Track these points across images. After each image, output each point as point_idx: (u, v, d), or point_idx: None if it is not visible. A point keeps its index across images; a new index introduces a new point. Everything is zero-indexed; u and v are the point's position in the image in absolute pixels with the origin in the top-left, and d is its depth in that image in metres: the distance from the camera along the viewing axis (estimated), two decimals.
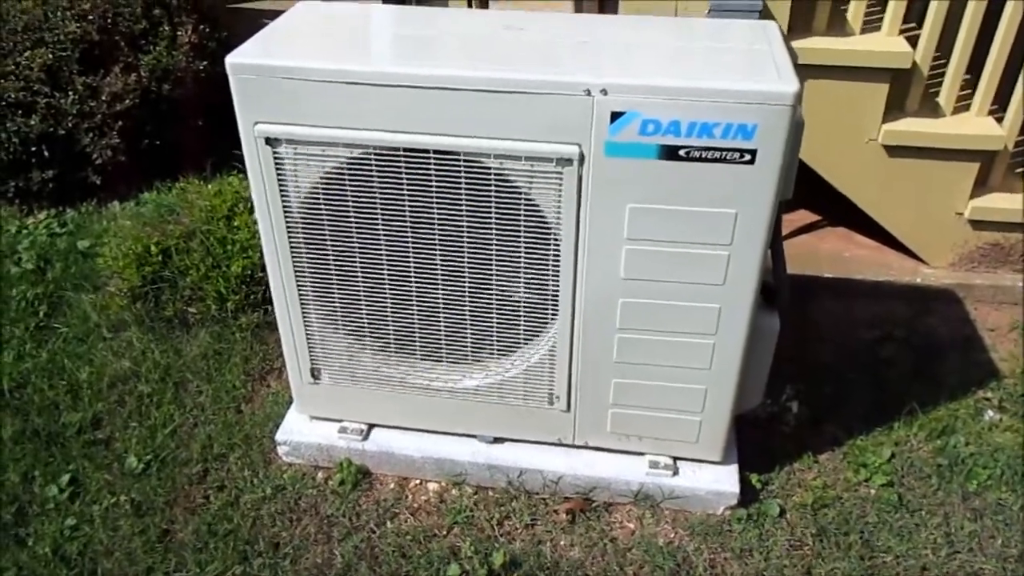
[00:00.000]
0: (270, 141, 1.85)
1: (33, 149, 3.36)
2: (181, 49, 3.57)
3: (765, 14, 2.54)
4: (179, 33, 3.59)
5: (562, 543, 2.14)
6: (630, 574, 2.06)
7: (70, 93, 3.33)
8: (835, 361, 2.70)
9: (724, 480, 2.17)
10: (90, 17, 3.39)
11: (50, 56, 3.30)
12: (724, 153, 1.69)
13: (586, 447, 2.22)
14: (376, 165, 1.84)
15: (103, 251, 3.02)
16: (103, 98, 3.37)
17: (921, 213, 2.88)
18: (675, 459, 2.20)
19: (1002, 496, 2.21)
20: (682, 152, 1.70)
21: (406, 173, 1.84)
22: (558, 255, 1.89)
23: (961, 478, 2.26)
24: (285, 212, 1.94)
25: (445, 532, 2.17)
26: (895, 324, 2.84)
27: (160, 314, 2.80)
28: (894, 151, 2.80)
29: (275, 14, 2.06)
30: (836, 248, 3.15)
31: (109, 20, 3.43)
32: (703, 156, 1.70)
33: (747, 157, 1.69)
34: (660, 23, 2.05)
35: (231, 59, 1.78)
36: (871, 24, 2.75)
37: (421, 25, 2.01)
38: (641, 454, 2.21)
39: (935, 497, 2.22)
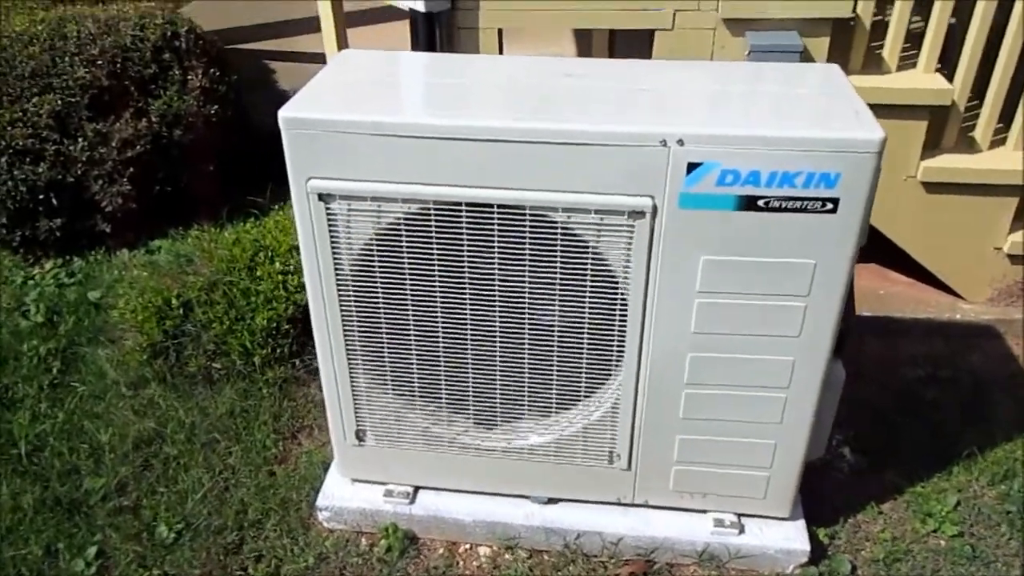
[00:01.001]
0: (323, 197, 1.76)
1: (40, 197, 3.24)
2: (192, 94, 3.48)
3: (804, 55, 2.50)
4: (189, 77, 3.50)
5: None
6: None
7: (79, 139, 3.22)
8: (881, 403, 2.63)
9: (793, 537, 2.08)
10: (99, 62, 3.29)
11: (58, 102, 3.20)
12: (805, 202, 1.63)
13: (646, 505, 2.12)
14: (435, 220, 1.75)
15: (118, 303, 2.90)
16: (113, 144, 3.27)
17: (960, 249, 2.84)
18: (740, 516, 2.11)
19: None
20: (761, 202, 1.64)
21: (467, 228, 1.75)
22: (625, 309, 1.81)
23: None
24: (336, 269, 1.85)
25: None
26: (938, 363, 2.78)
27: (183, 370, 2.68)
28: (933, 187, 2.76)
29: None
30: (871, 285, 3.10)
31: (118, 65, 3.34)
32: (783, 206, 1.63)
33: (829, 206, 1.63)
34: (714, 67, 1.99)
35: (284, 113, 1.69)
36: (904, 62, 2.72)
37: (474, 73, 1.93)
38: (704, 512, 2.12)
39: (1008, 547, 2.14)
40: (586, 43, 4.67)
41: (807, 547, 2.06)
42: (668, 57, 2.61)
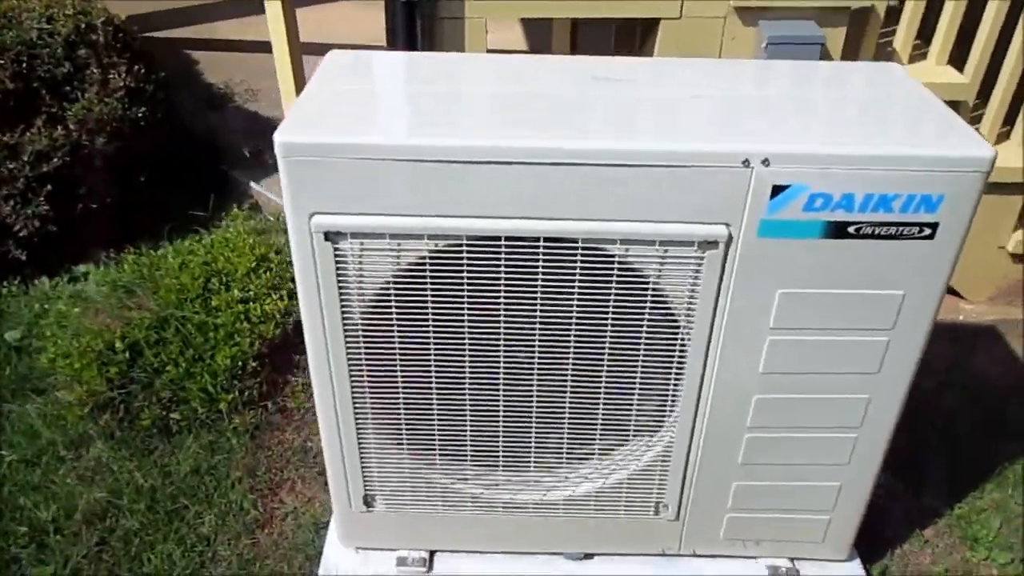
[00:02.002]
0: (330, 236, 1.46)
1: None
2: (114, 95, 3.04)
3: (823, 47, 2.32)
4: (111, 76, 3.06)
5: None
6: None
7: None
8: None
9: None
10: (0, 62, 2.84)
11: None
12: (901, 228, 1.43)
13: (693, 556, 1.92)
14: (468, 257, 1.48)
15: (46, 347, 2.48)
16: (24, 158, 2.82)
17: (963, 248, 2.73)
18: (793, 560, 1.92)
19: None
20: (852, 229, 1.43)
21: (506, 264, 1.49)
22: (684, 350, 1.58)
23: None
24: (344, 316, 1.55)
25: None
26: (947, 368, 2.68)
27: (134, 424, 2.31)
28: None
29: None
30: None
31: (24, 64, 2.88)
32: (876, 232, 1.43)
33: (927, 231, 1.43)
34: (766, 68, 1.78)
35: (281, 138, 1.37)
36: (915, 51, 2.59)
37: (493, 80, 1.66)
38: (755, 558, 1.93)
39: None
40: (538, 34, 4.43)
41: None
42: (674, 50, 2.38)
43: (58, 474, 2.22)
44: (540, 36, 4.29)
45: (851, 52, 2.48)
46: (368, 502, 1.83)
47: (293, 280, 2.60)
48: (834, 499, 1.80)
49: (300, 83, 2.99)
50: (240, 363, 2.37)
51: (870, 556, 2.01)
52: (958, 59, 2.61)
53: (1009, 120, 2.64)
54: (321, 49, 1.74)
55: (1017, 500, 2.23)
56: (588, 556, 1.94)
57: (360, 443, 1.73)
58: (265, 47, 4.46)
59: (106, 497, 2.15)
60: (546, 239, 1.46)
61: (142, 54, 3.26)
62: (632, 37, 2.97)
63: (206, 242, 2.83)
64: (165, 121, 3.31)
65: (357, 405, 1.67)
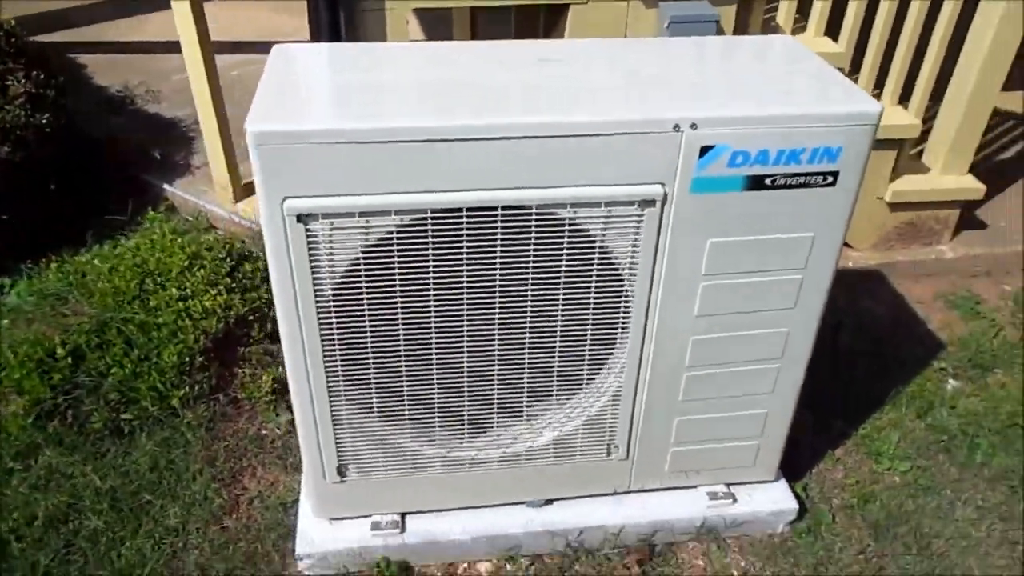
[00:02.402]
0: (302, 218, 1.55)
1: None
2: (15, 102, 2.97)
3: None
4: (9, 82, 2.99)
5: None
6: None
7: None
8: None
9: (781, 499, 2.15)
10: None
11: None
12: (808, 178, 1.65)
13: (641, 491, 2.11)
14: (433, 229, 1.60)
15: None
16: None
17: None
18: (729, 486, 2.14)
19: (1005, 462, 2.37)
20: (768, 181, 1.64)
21: (468, 234, 1.62)
22: (630, 301, 1.76)
23: (965, 451, 2.41)
24: (316, 294, 1.65)
25: None
26: (841, 310, 2.98)
27: (84, 428, 2.31)
28: None
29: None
30: None
31: None
32: (788, 183, 1.65)
33: (829, 179, 1.66)
34: (685, 45, 1.96)
35: (253, 127, 1.46)
36: (796, 26, 2.86)
37: (443, 65, 1.77)
38: (696, 487, 2.13)
39: (952, 473, 2.35)
40: (435, 28, 4.53)
41: (795, 505, 2.14)
42: (584, 33, 2.56)
43: (10, 485, 2.20)
44: (438, 29, 4.40)
45: (741, 28, 2.72)
46: (342, 472, 1.93)
47: (229, 275, 2.68)
48: (762, 426, 2.02)
49: (214, 82, 3.01)
50: (187, 359, 2.40)
51: (792, 476, 2.25)
52: (834, 30, 2.90)
53: (879, 84, 2.96)
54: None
55: (910, 417, 2.54)
56: (548, 502, 2.09)
57: (333, 415, 1.83)
58: (158, 47, 4.41)
59: (66, 501, 2.15)
60: (504, 208, 1.60)
61: (38, 58, 3.19)
62: (533, 25, 3.14)
63: (131, 245, 2.83)
64: (68, 127, 3.25)
65: (330, 379, 1.77)
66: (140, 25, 5.02)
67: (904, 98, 2.99)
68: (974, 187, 3.11)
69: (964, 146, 3.05)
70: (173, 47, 3.08)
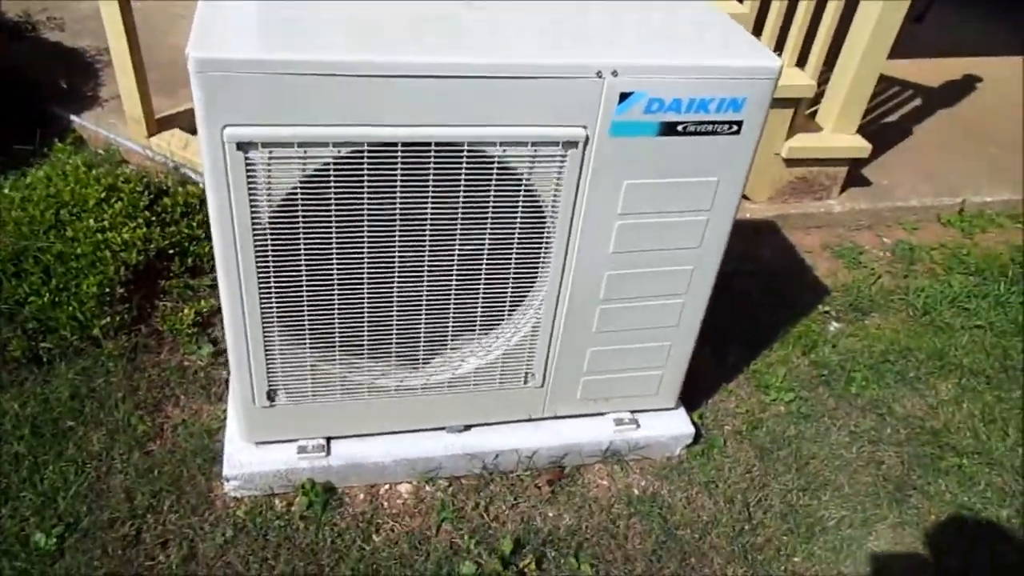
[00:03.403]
0: (242, 146, 1.60)
1: None
2: None
3: None
4: None
5: (551, 514, 2.19)
6: (622, 527, 2.17)
7: None
8: None
9: (679, 425, 2.35)
10: None
11: None
12: (715, 126, 1.80)
13: (555, 417, 2.27)
14: (369, 163, 1.68)
15: None
16: None
17: None
18: (633, 412, 2.33)
19: (876, 393, 2.65)
20: (680, 127, 1.78)
21: (402, 168, 1.70)
22: (551, 237, 1.89)
23: (842, 383, 2.67)
24: (253, 223, 1.70)
25: (436, 530, 2.11)
26: (740, 258, 3.20)
27: (2, 356, 2.29)
28: None
29: None
30: None
31: None
32: (697, 130, 1.79)
33: (734, 128, 1.81)
34: None
35: (195, 54, 1.49)
36: None
37: (373, 5, 1.83)
38: (603, 414, 2.31)
39: (830, 403, 2.61)
40: None
41: (691, 430, 2.35)
42: None
43: None
44: None
45: None
46: (271, 396, 2.00)
47: (148, 208, 2.67)
48: (666, 356, 2.20)
49: (127, 13, 2.94)
50: (107, 290, 2.41)
51: (690, 406, 2.46)
52: None
53: (779, 46, 3.15)
54: None
55: (796, 353, 2.79)
56: (467, 428, 2.23)
57: (265, 341, 1.89)
58: None
59: None
60: (437, 144, 1.69)
61: None
62: None
63: (41, 176, 2.77)
64: None
65: (264, 305, 1.83)
66: None
67: (801, 61, 3.20)
68: (861, 146, 3.37)
69: (853, 108, 3.30)
70: None
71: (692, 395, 2.49)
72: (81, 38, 3.83)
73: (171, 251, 2.63)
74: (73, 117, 3.34)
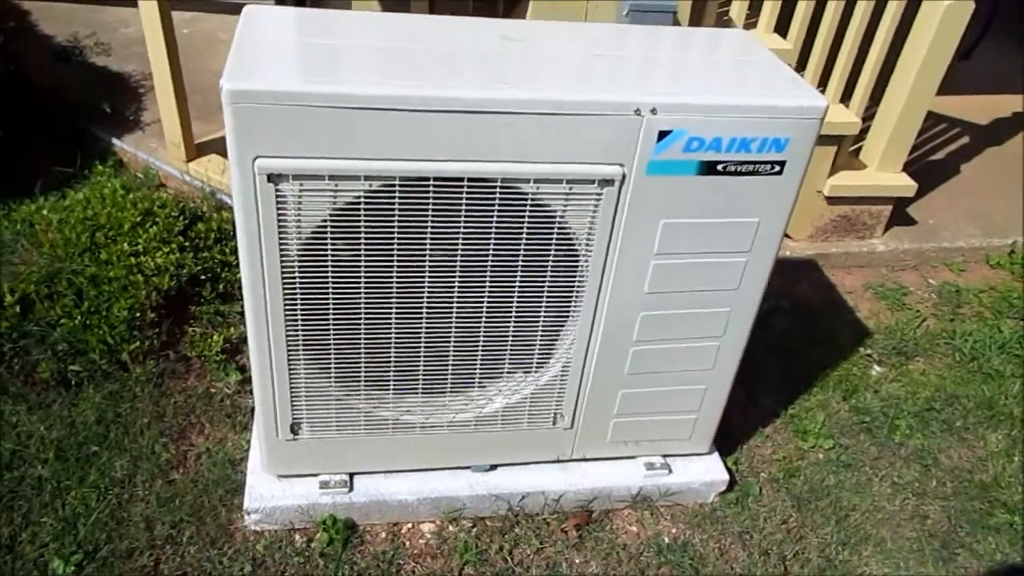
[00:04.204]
0: (272, 177, 1.58)
1: None
2: None
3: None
4: None
5: (577, 560, 2.11)
6: None
7: None
8: None
9: (713, 470, 2.27)
10: None
11: None
12: (757, 166, 1.74)
13: (583, 459, 2.20)
14: (400, 197, 1.65)
15: None
16: None
17: None
18: (665, 456, 2.25)
19: (921, 443, 2.55)
20: (720, 167, 1.73)
21: (433, 203, 1.67)
22: (584, 276, 1.84)
23: (885, 431, 2.57)
24: (282, 254, 1.68)
25: (458, 573, 2.05)
26: (778, 295, 3.12)
27: (31, 377, 2.29)
28: None
29: None
30: None
31: None
32: (738, 170, 1.74)
33: (776, 168, 1.76)
34: (643, 33, 2.02)
35: (229, 86, 1.48)
36: (748, 22, 2.96)
37: (414, 36, 1.81)
38: (634, 457, 2.24)
39: (871, 452, 2.51)
40: (393, 8, 4.50)
41: (726, 477, 2.27)
42: (545, 15, 2.61)
43: None
44: (395, 4, 4.38)
45: (695, 20, 2.81)
46: (294, 430, 1.97)
47: (182, 233, 2.68)
48: (700, 400, 2.13)
49: (170, 39, 2.97)
50: (138, 314, 2.40)
51: (724, 450, 2.37)
52: (783, 28, 3.02)
53: (823, 82, 3.09)
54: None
55: (836, 398, 2.69)
56: (493, 468, 2.17)
57: (291, 374, 1.86)
58: None
59: (11, 448, 2.15)
60: (470, 180, 1.65)
61: None
62: (491, 12, 3.17)
63: (80, 197, 2.79)
64: (17, 74, 3.17)
65: (290, 337, 1.81)
66: None
67: (846, 97, 3.13)
68: (906, 184, 3.28)
69: (899, 145, 3.21)
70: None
71: (726, 440, 2.41)
72: (127, 63, 3.88)
73: (203, 276, 2.62)
74: (114, 140, 3.38)
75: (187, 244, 2.63)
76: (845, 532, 2.25)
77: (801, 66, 3.08)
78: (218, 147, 3.26)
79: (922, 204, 3.66)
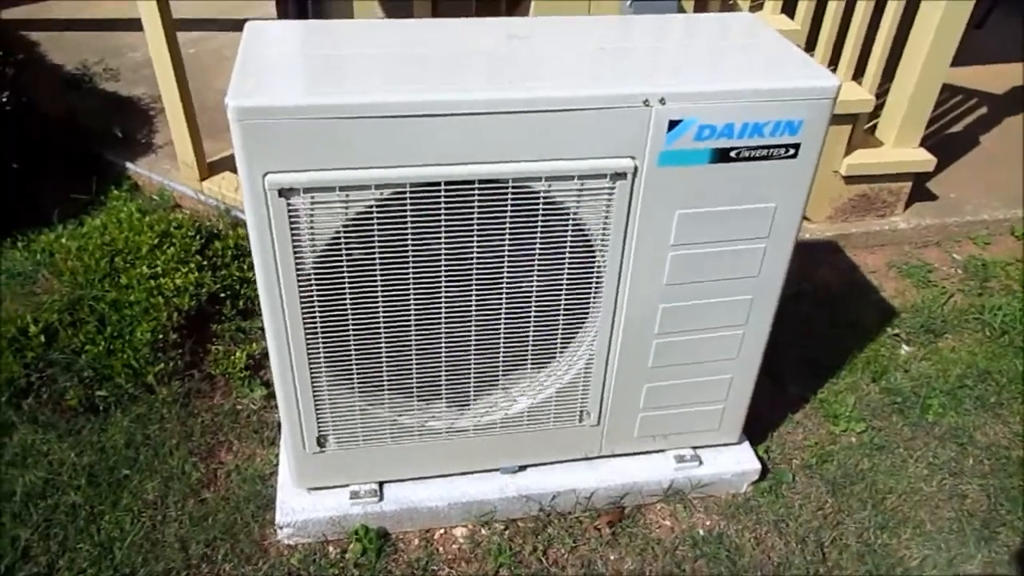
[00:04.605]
0: (284, 192, 1.58)
1: None
2: None
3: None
4: None
5: (612, 557, 2.10)
6: (688, 570, 2.07)
7: None
8: None
9: (744, 460, 2.24)
10: None
11: None
12: (771, 150, 1.72)
13: (612, 456, 2.19)
14: (412, 203, 1.64)
15: None
16: None
17: None
18: (695, 448, 2.23)
19: (955, 421, 2.50)
20: (733, 153, 1.70)
21: (445, 207, 1.66)
22: (602, 271, 1.82)
23: (917, 411, 2.53)
24: (298, 268, 1.68)
25: None
26: (799, 279, 3.08)
27: (59, 406, 2.31)
28: None
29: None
30: None
31: None
32: (752, 155, 1.71)
33: (791, 151, 1.73)
34: (650, 23, 2.00)
35: (235, 102, 1.48)
36: (755, 4, 2.92)
37: (417, 41, 1.80)
38: (663, 451, 2.22)
39: (905, 433, 2.47)
40: (395, 13, 4.50)
41: (757, 466, 2.24)
42: (548, 11, 2.60)
43: None
44: (397, 8, 4.38)
45: (700, 7, 2.79)
46: (321, 442, 1.97)
47: (199, 253, 2.69)
48: (727, 390, 2.11)
49: (177, 60, 2.98)
50: (160, 336, 2.42)
51: (754, 439, 2.34)
52: (789, 8, 2.98)
53: (834, 61, 3.05)
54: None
55: (866, 380, 2.65)
56: (522, 469, 2.16)
57: (314, 387, 1.86)
58: (113, 25, 4.34)
59: (44, 477, 2.16)
60: (480, 182, 1.64)
61: None
62: (495, 11, 3.16)
63: (97, 224, 2.81)
64: (28, 105, 3.20)
65: (311, 351, 1.80)
66: (87, 3, 4.92)
67: (858, 74, 3.08)
68: (925, 159, 3.23)
69: (915, 120, 3.16)
70: (125, 24, 3.05)
71: (756, 428, 2.38)
72: (136, 87, 3.92)
73: (223, 294, 2.63)
74: (128, 164, 3.40)
75: (205, 263, 2.64)
76: (882, 516, 2.21)
77: (810, 46, 3.04)
78: (230, 165, 3.27)
79: (942, 178, 3.60)
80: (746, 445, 2.28)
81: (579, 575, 2.05)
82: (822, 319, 2.92)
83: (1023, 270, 3.22)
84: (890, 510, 2.23)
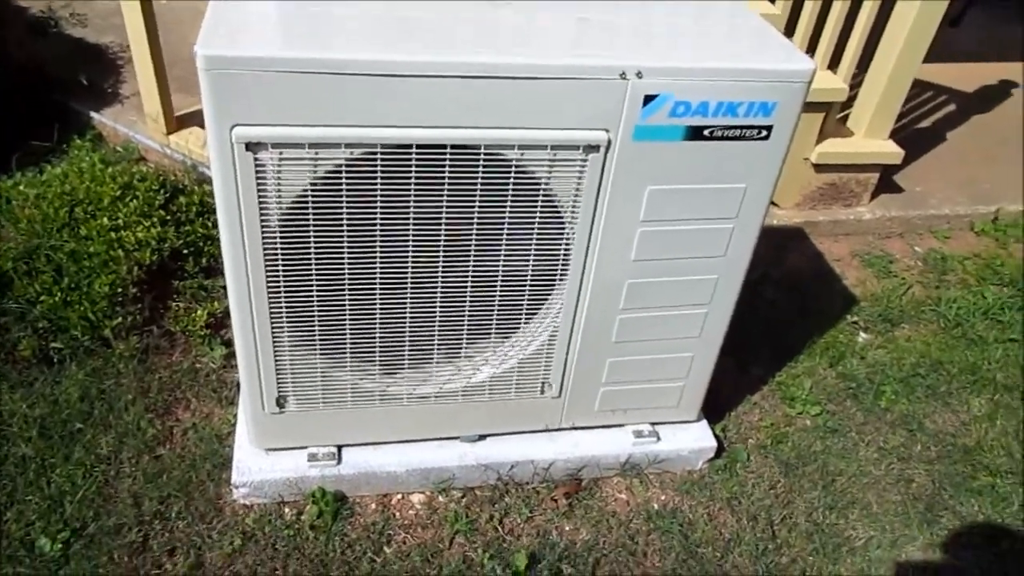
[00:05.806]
0: (251, 146, 1.55)
1: None
2: None
3: None
4: None
5: (567, 528, 2.12)
6: (641, 543, 2.10)
7: None
8: None
9: (702, 437, 2.27)
10: None
11: None
12: (744, 131, 1.73)
13: (572, 428, 2.20)
14: (382, 165, 1.62)
15: None
16: None
17: None
18: (653, 424, 2.25)
19: (906, 408, 2.56)
20: (706, 132, 1.71)
21: (416, 171, 1.65)
22: (570, 244, 1.82)
23: (871, 397, 2.58)
24: (263, 225, 1.65)
25: (448, 543, 2.05)
26: (766, 264, 3.12)
27: (12, 356, 2.26)
28: None
29: None
30: None
31: None
32: (725, 135, 1.72)
33: (763, 133, 1.74)
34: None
35: (203, 51, 1.45)
36: None
37: (396, 5, 1.77)
38: (622, 426, 2.24)
39: (858, 417, 2.52)
40: None
41: (714, 444, 2.27)
42: None
43: None
44: None
45: None
46: (280, 403, 1.95)
47: (163, 207, 2.63)
48: (688, 368, 2.13)
49: (148, 10, 2.91)
50: (119, 290, 2.37)
51: (712, 418, 2.38)
52: None
53: (811, 48, 3.06)
54: None
55: (823, 365, 2.70)
56: (482, 438, 2.17)
57: (275, 346, 1.85)
58: None
59: None
60: (453, 147, 1.63)
61: None
62: None
63: (58, 172, 2.74)
64: None
65: (273, 310, 1.78)
66: None
67: (834, 63, 3.10)
68: (894, 152, 3.27)
69: (886, 113, 3.20)
70: None
71: (714, 407, 2.41)
72: (104, 34, 3.81)
73: (186, 251, 2.59)
74: (93, 113, 3.32)
75: (168, 218, 2.59)
76: (832, 496, 2.26)
77: (789, 32, 3.04)
78: (199, 120, 3.20)
79: (909, 172, 3.65)
80: (704, 423, 2.31)
81: (534, 544, 2.07)
82: (786, 304, 2.96)
83: (979, 265, 3.28)
84: (839, 491, 2.28)
